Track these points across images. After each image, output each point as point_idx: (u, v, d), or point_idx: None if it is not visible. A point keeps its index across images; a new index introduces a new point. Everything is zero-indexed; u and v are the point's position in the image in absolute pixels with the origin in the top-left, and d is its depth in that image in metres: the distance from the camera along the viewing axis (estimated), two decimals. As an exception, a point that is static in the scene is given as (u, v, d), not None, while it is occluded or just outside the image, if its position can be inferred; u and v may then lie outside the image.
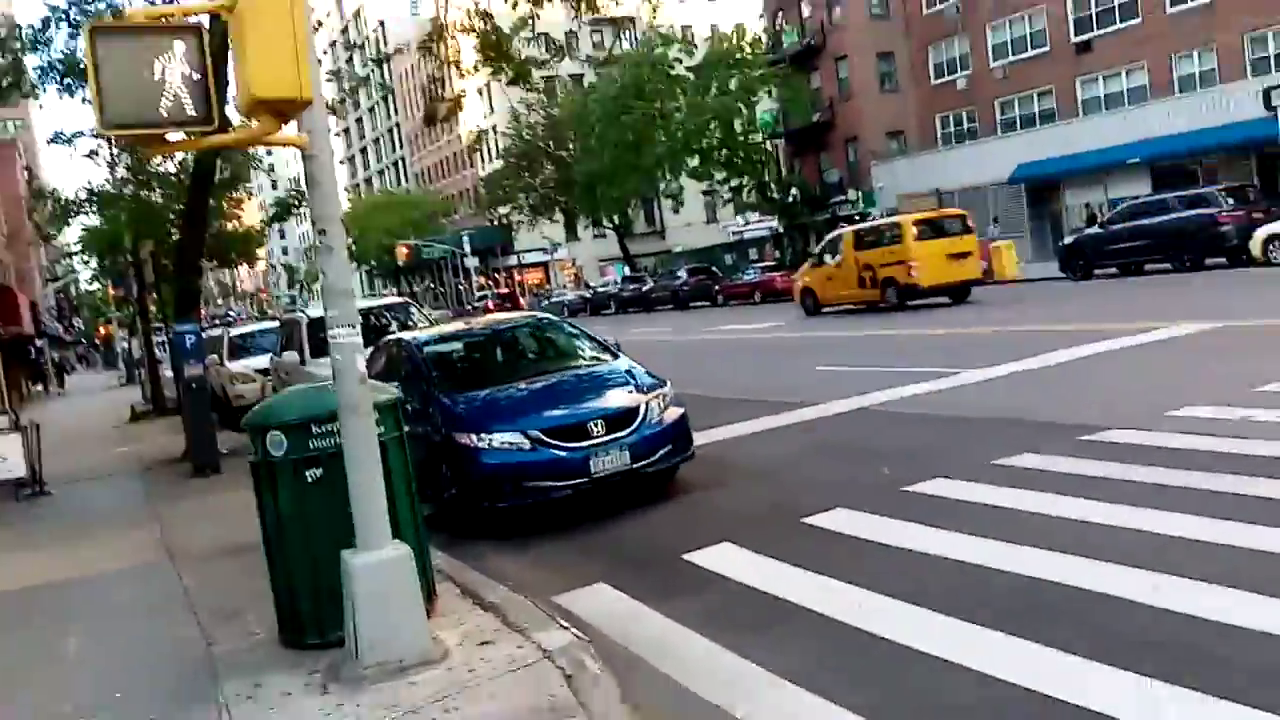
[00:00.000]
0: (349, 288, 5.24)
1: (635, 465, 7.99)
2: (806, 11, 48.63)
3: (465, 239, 75.26)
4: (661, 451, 8.17)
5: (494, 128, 79.17)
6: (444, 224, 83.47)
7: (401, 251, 78.11)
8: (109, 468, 15.06)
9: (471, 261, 76.66)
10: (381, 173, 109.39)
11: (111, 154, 22.22)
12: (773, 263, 47.91)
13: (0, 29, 15.43)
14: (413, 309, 16.54)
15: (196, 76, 4.42)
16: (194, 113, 4.44)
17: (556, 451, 7.81)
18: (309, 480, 5.56)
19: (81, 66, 14.50)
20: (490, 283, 77.05)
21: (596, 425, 7.97)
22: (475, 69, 17.18)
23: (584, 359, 9.39)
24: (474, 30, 16.15)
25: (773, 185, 49.42)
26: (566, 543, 7.57)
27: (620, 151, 46.06)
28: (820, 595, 5.66)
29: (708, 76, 45.71)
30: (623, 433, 8.01)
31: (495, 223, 73.74)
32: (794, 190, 49.35)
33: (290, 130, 4.94)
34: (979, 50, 40.76)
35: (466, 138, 68.03)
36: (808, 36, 47.59)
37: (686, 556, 6.70)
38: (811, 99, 47.94)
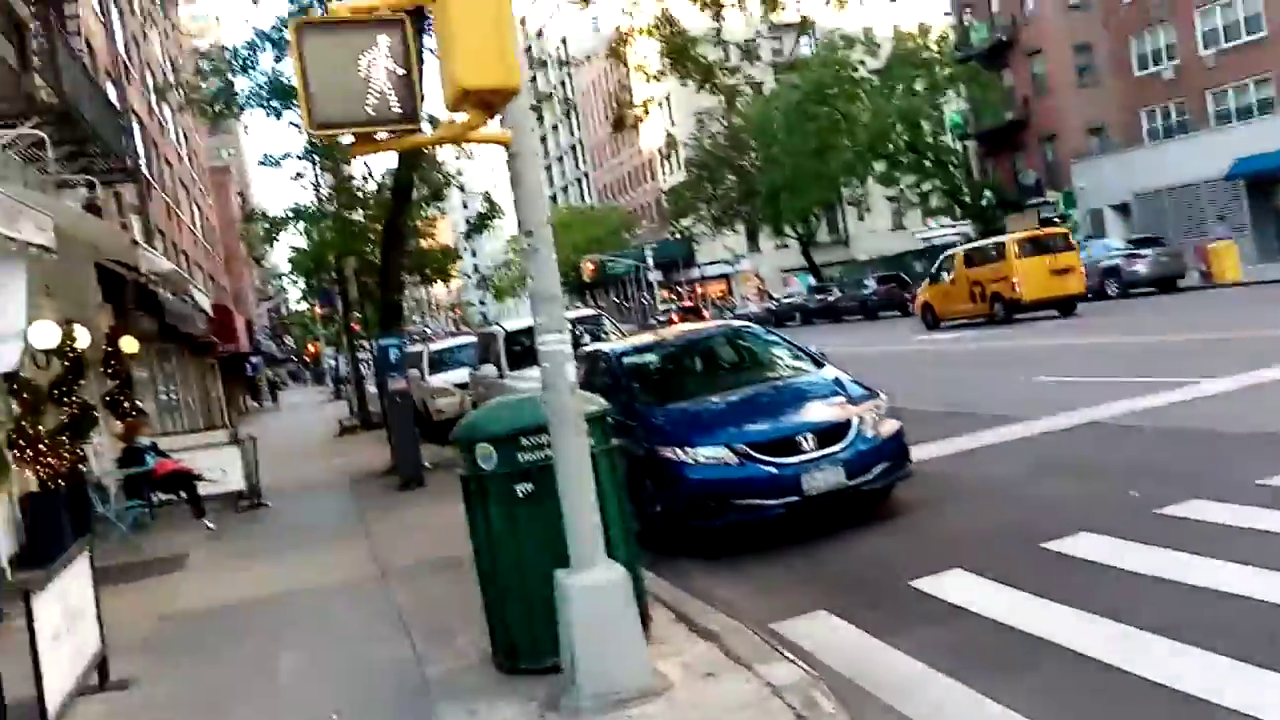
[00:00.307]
0: (557, 292, 5.00)
1: (851, 482, 7.49)
2: (996, 6, 46.58)
3: (648, 253, 75.92)
4: (878, 468, 7.64)
5: (667, 155, 79.98)
6: (627, 239, 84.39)
7: (587, 268, 79.43)
8: (320, 480, 15.60)
9: (654, 276, 77.20)
10: (565, 189, 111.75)
11: (316, 175, 23.27)
12: (965, 269, 46.11)
13: (211, 59, 16.27)
14: (605, 321, 16.49)
15: (401, 72, 4.27)
16: (399, 110, 4.29)
17: (766, 467, 7.41)
18: (519, 495, 5.35)
19: (288, 87, 15.17)
20: (673, 296, 77.36)
21: (807, 439, 7.53)
22: (661, 75, 17.02)
23: (788, 369, 8.96)
24: (659, 33, 16.00)
25: (964, 188, 47.52)
26: (778, 564, 7.14)
27: (803, 158, 45.27)
28: (1073, 630, 5.05)
29: (893, 78, 44.37)
30: (836, 447, 7.54)
31: (677, 236, 74.04)
32: (987, 193, 47.29)
33: (494, 127, 4.75)
34: (1186, 38, 37.97)
35: (657, 145, 68.51)
36: (998, 32, 45.55)
37: (914, 583, 6.17)
38: (1003, 97, 45.87)
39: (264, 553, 10.15)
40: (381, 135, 4.58)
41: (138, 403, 19.04)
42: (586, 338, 15.68)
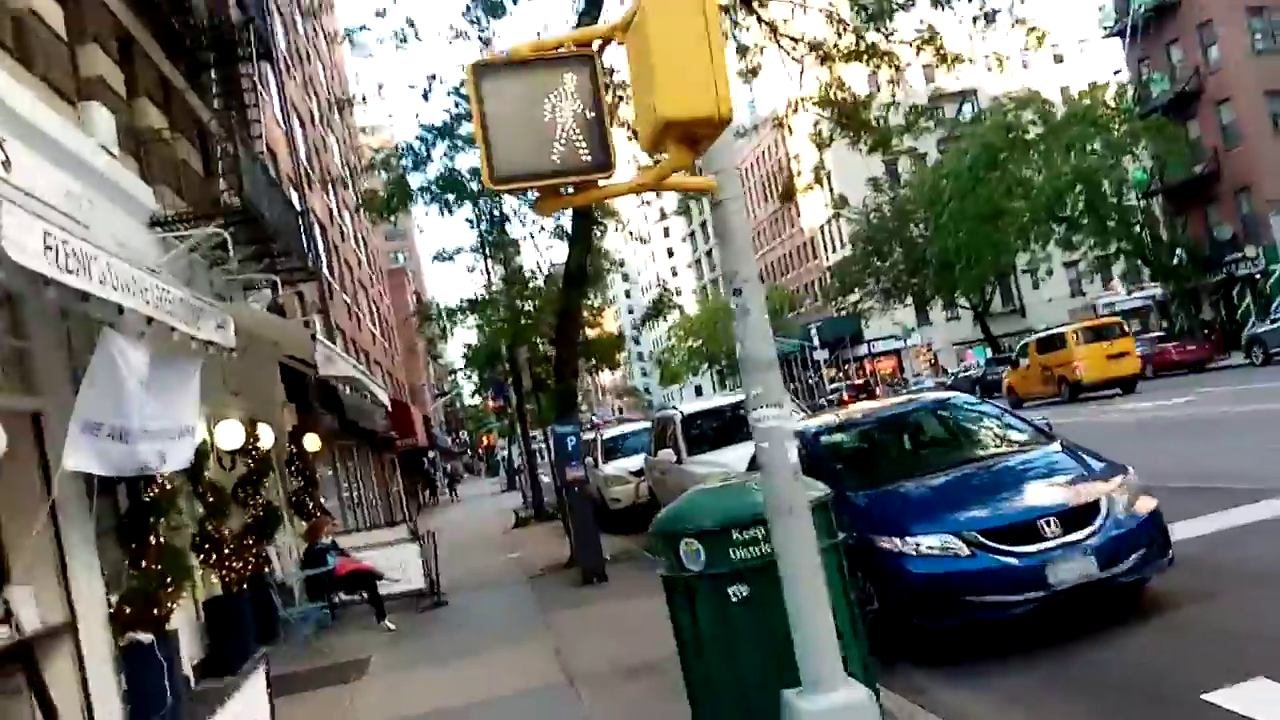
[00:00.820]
0: (773, 357, 4.30)
1: (1104, 573, 6.41)
2: (1176, 56, 44.15)
3: (813, 331, 74.74)
4: (1135, 556, 6.54)
5: (836, 216, 79.06)
6: (791, 319, 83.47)
7: (751, 349, 78.72)
8: (499, 575, 15.19)
9: (821, 354, 75.88)
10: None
11: (487, 266, 23.51)
12: (1160, 333, 43.14)
13: (382, 155, 16.58)
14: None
15: (591, 115, 3.70)
16: (589, 158, 3.72)
17: (1003, 558, 6.43)
18: (733, 600, 4.62)
19: (460, 180, 15.25)
20: (842, 375, 75.71)
21: (1050, 523, 6.51)
22: (831, 140, 16.39)
23: (1011, 442, 7.95)
24: (831, 96, 15.40)
25: (1151, 248, 44.69)
26: (1027, 672, 6.11)
27: (976, 224, 43.51)
28: None
29: (1068, 137, 42.35)
30: (1083, 533, 6.49)
31: (844, 313, 72.61)
32: (1178, 251, 44.32)
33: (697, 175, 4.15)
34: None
35: (819, 223, 67.72)
36: (1180, 83, 43.07)
37: (1208, 697, 5.08)
38: (1191, 149, 43.14)
39: (446, 656, 9.65)
40: (569, 189, 4.04)
41: (322, 501, 19.30)
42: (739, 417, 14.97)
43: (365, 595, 11.93)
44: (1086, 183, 41.82)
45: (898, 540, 6.68)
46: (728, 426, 14.67)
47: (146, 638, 8.04)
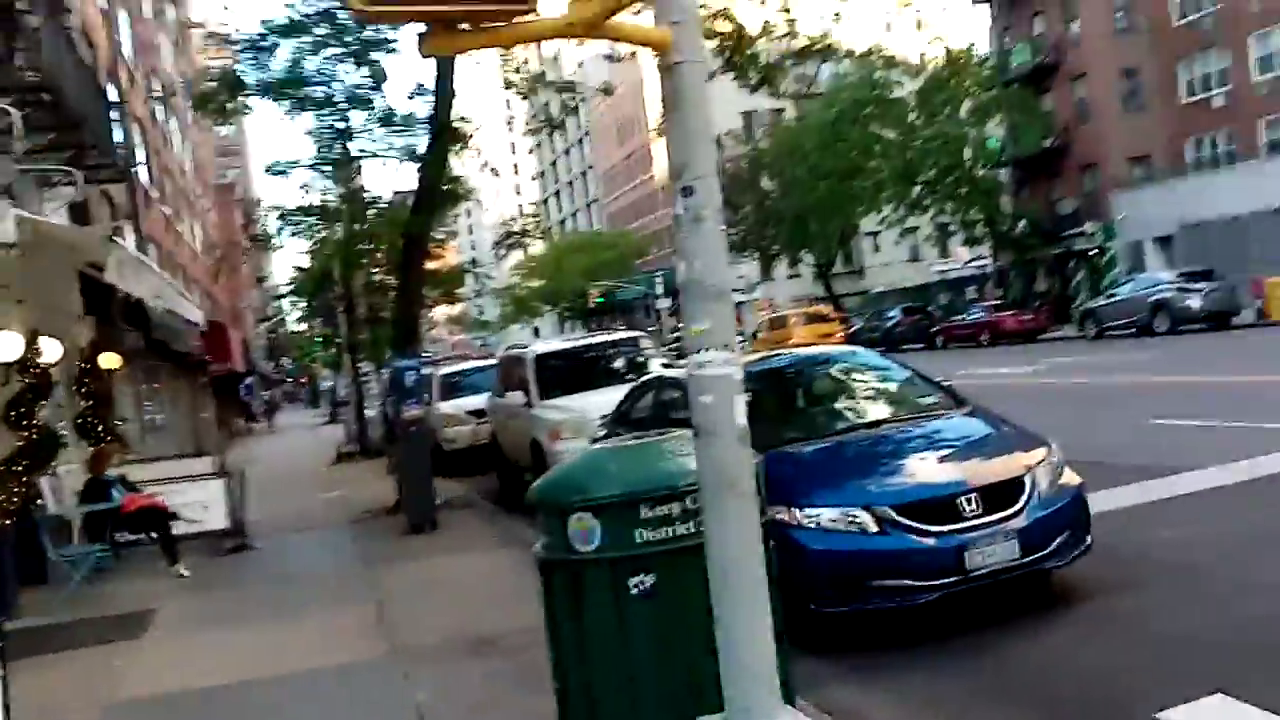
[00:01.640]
0: (725, 285, 3.20)
1: (1025, 559, 5.64)
2: (1039, 27, 44.85)
3: (658, 280, 74.29)
4: (1059, 539, 5.79)
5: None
6: (636, 266, 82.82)
7: (593, 294, 77.88)
8: (316, 518, 13.70)
9: (664, 303, 75.54)
10: (575, 214, 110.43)
11: (325, 185, 21.52)
12: (996, 301, 44.31)
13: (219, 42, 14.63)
14: (644, 344, 14.60)
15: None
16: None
17: (918, 538, 5.56)
18: (634, 592, 3.52)
19: (302, 77, 13.51)
20: (682, 324, 75.67)
21: (970, 501, 5.68)
22: (712, 76, 15.27)
23: (920, 406, 7.11)
24: (716, 34, 14.25)
25: (998, 217, 45.69)
26: (939, 669, 5.28)
27: (833, 182, 43.44)
28: None
29: (933, 101, 42.55)
30: (1006, 512, 5.69)
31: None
32: (1022, 223, 45.47)
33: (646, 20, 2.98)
34: (1240, 64, 36.39)
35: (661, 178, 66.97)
36: (1040, 55, 43.79)
37: (1165, 716, 4.32)
38: (1045, 123, 44.03)
39: (247, 614, 8.24)
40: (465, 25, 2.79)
41: (116, 426, 17.20)
42: (619, 363, 13.88)
43: (155, 536, 10.30)
44: (949, 149, 42.23)
45: (795, 511, 5.72)
46: (584, 370, 13.53)
47: None
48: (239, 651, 7.06)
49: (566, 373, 13.43)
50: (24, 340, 10.44)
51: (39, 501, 9.72)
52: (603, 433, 9.38)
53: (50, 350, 11.17)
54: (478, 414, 17.58)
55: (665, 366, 13.51)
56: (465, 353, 56.40)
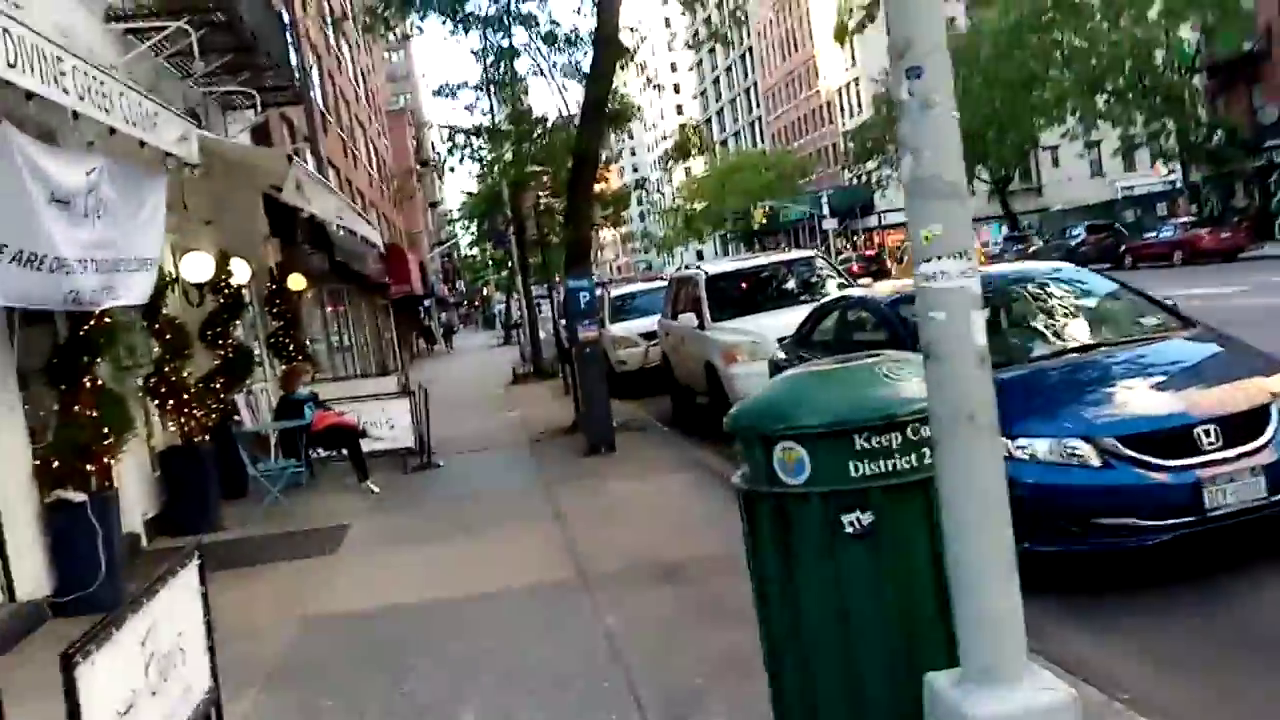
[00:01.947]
0: (960, 182, 2.78)
1: (1275, 498, 5.06)
2: (1242, -85, 40.84)
3: (824, 199, 72.53)
4: (1311, 478, 5.17)
5: (855, 80, 75.74)
6: (801, 185, 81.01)
7: (757, 215, 76.69)
8: (496, 437, 13.93)
9: (830, 223, 73.74)
10: (737, 134, 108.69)
11: (493, 105, 21.55)
12: (1191, 219, 41.29)
13: None
14: (820, 264, 14.09)
15: None
16: None
17: (1149, 472, 5.05)
18: (849, 531, 3.22)
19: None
20: (850, 246, 73.83)
21: (1208, 433, 5.11)
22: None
23: (1143, 327, 6.49)
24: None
25: (1191, 128, 42.32)
26: (1172, 619, 4.80)
27: (1010, 92, 40.97)
28: None
29: (1119, 2, 39.43)
30: (1252, 445, 5.11)
31: (856, 182, 70.29)
32: (1218, 133, 42.01)
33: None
34: None
35: (838, 86, 64.88)
36: (1241, -54, 39.93)
37: None
38: (1243, 24, 40.25)
39: (435, 532, 8.38)
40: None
41: (306, 344, 17.91)
42: (793, 284, 13.45)
43: (345, 453, 10.63)
44: (1135, 53, 39.20)
45: (1006, 442, 5.27)
46: (758, 291, 13.19)
47: (78, 497, 6.74)
48: (428, 570, 7.17)
49: (740, 294, 13.12)
50: (214, 261, 10.83)
51: (236, 418, 10.14)
52: (782, 355, 9.06)
53: (240, 271, 11.56)
54: (648, 336, 17.50)
55: (841, 287, 13.03)
56: (630, 275, 56.51)
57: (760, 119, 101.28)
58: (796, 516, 3.30)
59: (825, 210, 72.07)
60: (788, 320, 11.56)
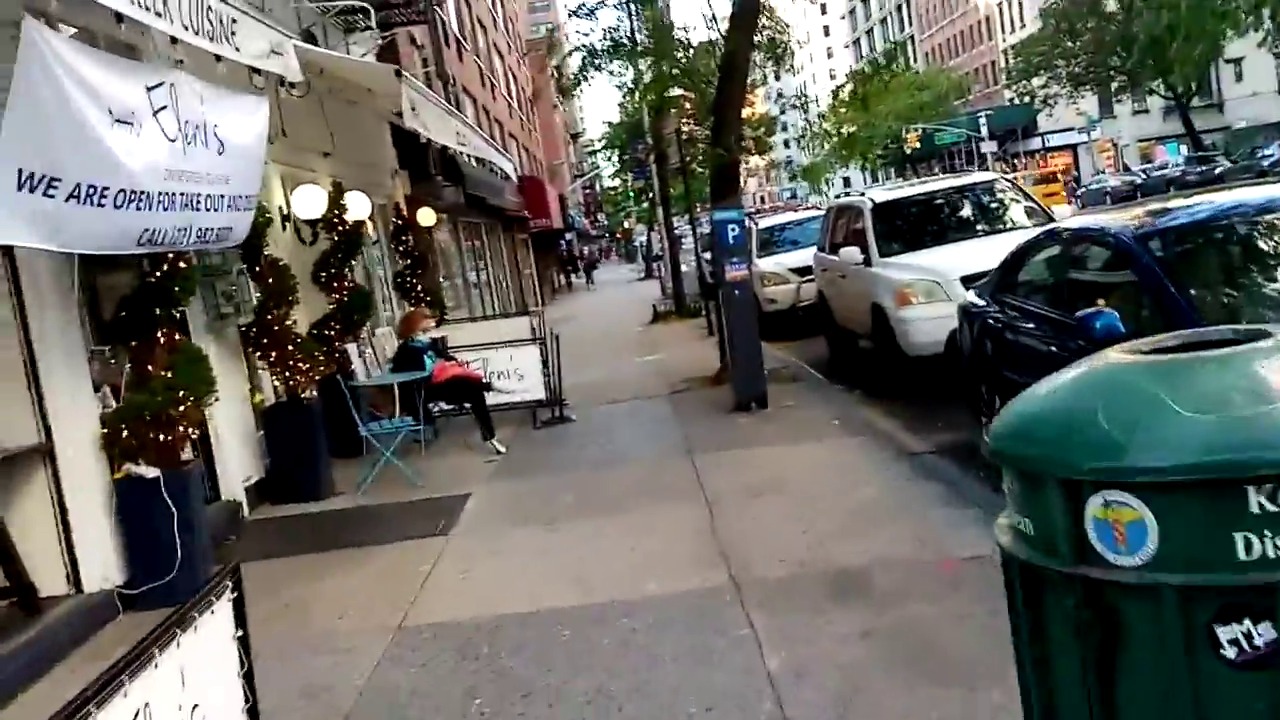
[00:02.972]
0: None
1: None
2: None
3: (982, 121, 68.37)
4: None
5: (1019, -7, 70.60)
6: (957, 107, 76.57)
7: (911, 138, 72.90)
8: (634, 385, 12.73)
9: (989, 147, 69.49)
10: (889, 60, 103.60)
11: (632, 27, 20.07)
12: None
13: None
14: (1001, 188, 12.20)
15: None
16: None
17: None
18: (1230, 656, 1.83)
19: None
20: (1009, 169, 69.59)
21: None
22: None
23: None
24: None
25: None
26: None
27: (1199, -5, 36.82)
28: None
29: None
30: None
31: (1017, 101, 65.75)
32: None
33: None
34: None
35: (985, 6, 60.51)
36: None
37: None
38: None
39: (560, 506, 7.24)
40: None
41: (439, 283, 17.06)
42: (972, 212, 11.71)
43: (469, 407, 9.60)
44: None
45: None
46: (932, 221, 11.53)
47: (150, 472, 5.81)
48: (549, 562, 6.01)
49: (911, 224, 11.49)
50: (328, 195, 9.85)
51: (351, 368, 9.20)
52: (976, 299, 7.49)
53: (358, 205, 10.59)
54: (801, 271, 16.02)
55: (1029, 214, 11.25)
56: (776, 205, 54.42)
57: (913, 38, 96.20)
58: (1129, 620, 1.92)
59: (984, 133, 68.07)
60: (969, 255, 9.97)
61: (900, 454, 7.54)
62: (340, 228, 10.07)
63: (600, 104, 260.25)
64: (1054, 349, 5.69)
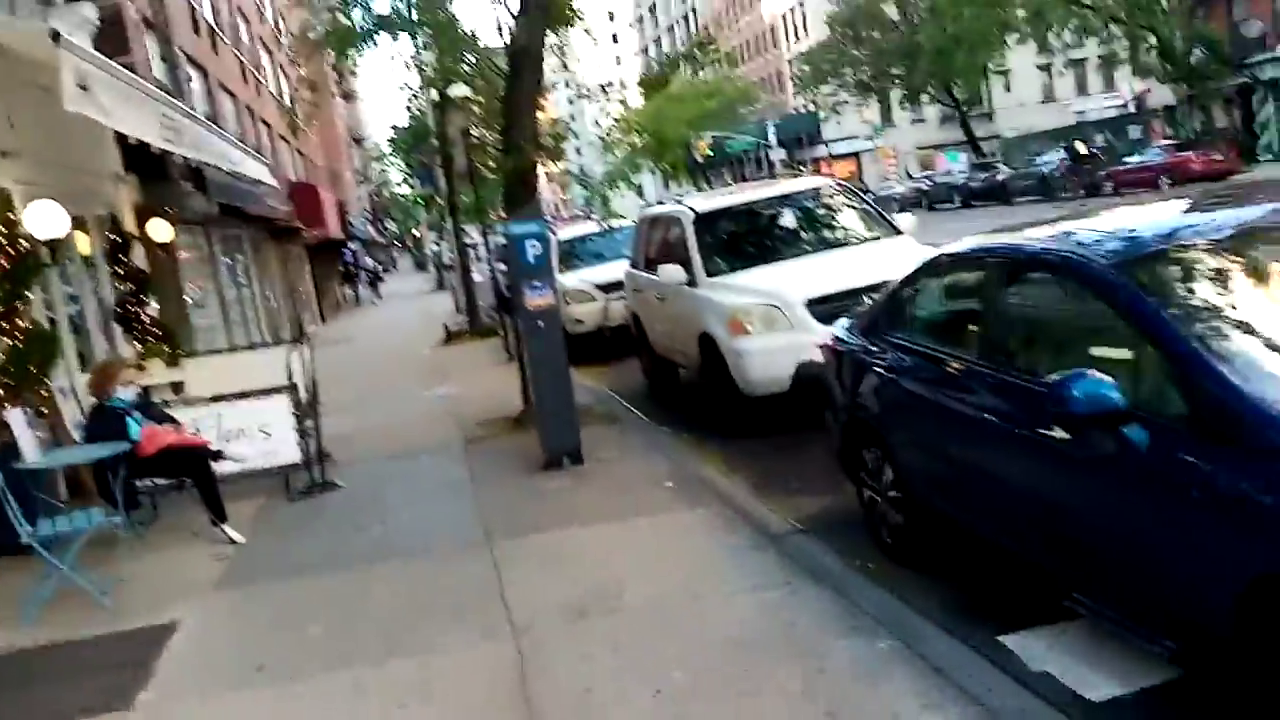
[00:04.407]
0: None
1: None
2: None
3: (770, 129, 69.14)
4: None
5: (801, 2, 71.81)
6: (744, 114, 77.21)
7: (700, 146, 72.90)
8: (420, 430, 10.62)
9: (777, 154, 70.28)
10: (677, 62, 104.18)
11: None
12: (1171, 141, 38.72)
13: None
14: (837, 195, 10.68)
15: None
16: None
17: None
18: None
19: None
20: (797, 176, 70.63)
21: None
22: None
23: None
24: None
25: (1169, 41, 39.52)
26: None
27: (980, 6, 37.67)
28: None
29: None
30: None
31: (804, 109, 66.77)
32: (1197, 48, 39.34)
33: None
34: None
35: (782, 10, 61.00)
36: None
37: None
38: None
39: (310, 644, 5.14)
40: None
41: (182, 314, 14.37)
42: (805, 220, 10.23)
43: (191, 481, 7.28)
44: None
45: None
46: (762, 234, 9.96)
47: None
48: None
49: (741, 237, 9.90)
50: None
51: (10, 443, 6.69)
52: (850, 339, 5.87)
53: (47, 219, 8.08)
54: (607, 288, 14.31)
55: (871, 225, 9.89)
56: (575, 213, 52.74)
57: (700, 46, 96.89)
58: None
59: (772, 140, 68.84)
60: (813, 274, 8.50)
61: (759, 535, 5.85)
62: (9, 250, 7.53)
63: (387, 107, 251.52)
64: (996, 423, 4.12)
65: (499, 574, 5.75)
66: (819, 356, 7.70)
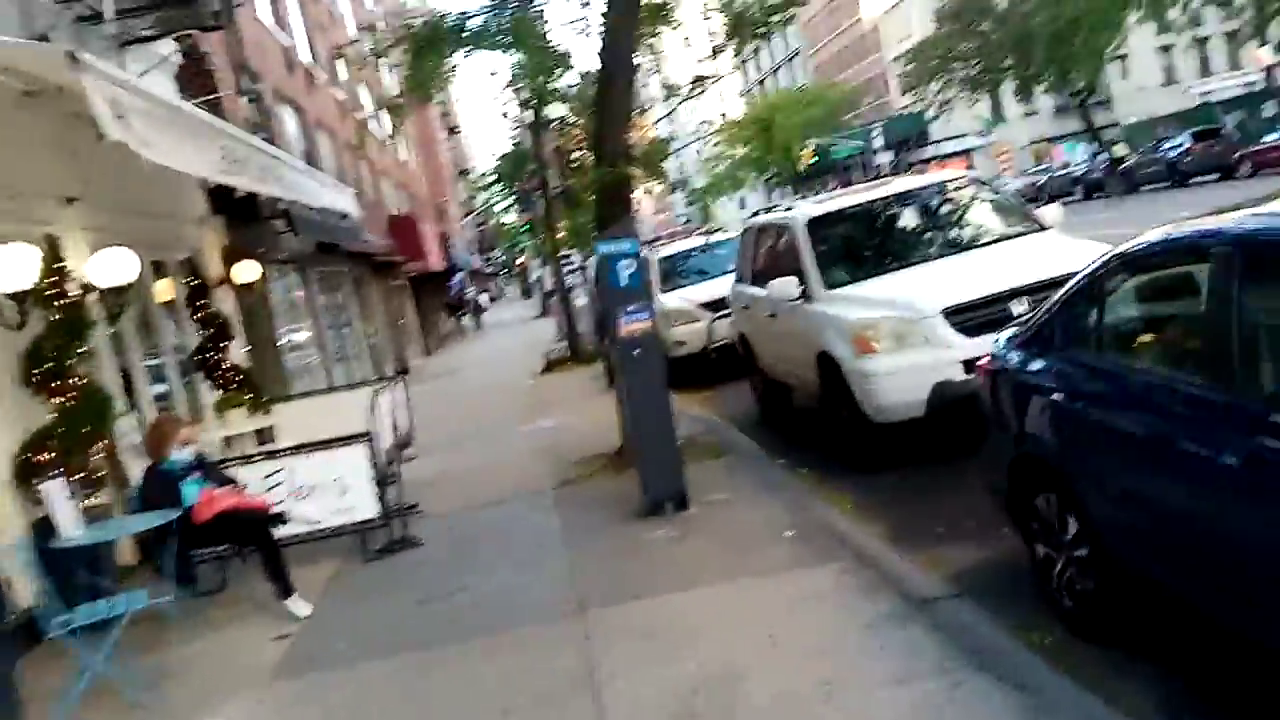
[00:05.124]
0: None
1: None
2: None
3: (876, 133, 67.37)
4: None
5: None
6: (847, 120, 75.35)
7: (805, 154, 71.33)
8: (514, 472, 9.75)
9: (884, 158, 68.26)
10: (776, 71, 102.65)
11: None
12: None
13: None
14: (968, 188, 9.40)
15: None
16: None
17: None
18: None
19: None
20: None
21: None
22: None
23: None
24: None
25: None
26: None
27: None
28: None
29: None
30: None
31: (909, 110, 64.65)
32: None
33: None
34: None
35: (881, 10, 59.16)
36: None
37: None
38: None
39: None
40: None
41: (270, 358, 13.90)
42: (932, 220, 9.03)
43: (255, 548, 6.53)
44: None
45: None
46: (884, 238, 8.82)
47: None
48: None
49: (861, 243, 8.79)
50: (42, 257, 6.76)
51: (44, 519, 5.99)
52: (1006, 349, 4.75)
53: (113, 266, 7.51)
54: (712, 306, 13.33)
55: (1010, 219, 8.69)
56: (673, 231, 52.18)
57: (798, 52, 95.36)
58: None
59: (878, 144, 67.04)
60: (951, 279, 7.36)
61: (903, 601, 4.76)
62: (60, 301, 6.94)
63: (491, 140, 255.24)
64: (1234, 465, 2.98)
65: (590, 655, 4.79)
66: (960, 375, 6.62)
